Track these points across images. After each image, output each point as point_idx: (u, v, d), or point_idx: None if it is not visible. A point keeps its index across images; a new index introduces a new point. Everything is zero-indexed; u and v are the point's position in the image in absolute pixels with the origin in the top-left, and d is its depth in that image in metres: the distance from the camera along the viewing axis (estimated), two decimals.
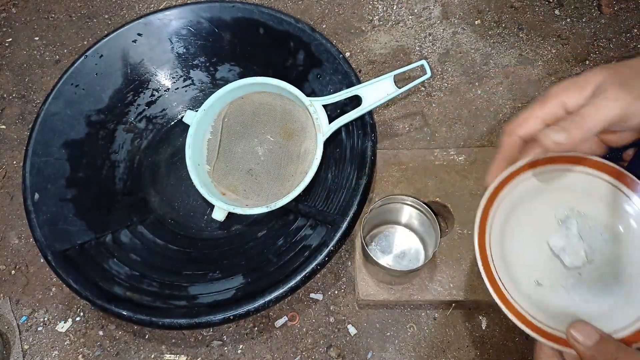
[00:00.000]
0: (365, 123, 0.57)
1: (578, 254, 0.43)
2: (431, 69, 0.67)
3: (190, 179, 0.59)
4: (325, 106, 0.57)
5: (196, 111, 0.60)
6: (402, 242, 0.61)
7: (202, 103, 0.60)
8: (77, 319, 0.61)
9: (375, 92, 0.56)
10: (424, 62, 0.55)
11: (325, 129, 0.56)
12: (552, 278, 0.44)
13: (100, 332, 0.60)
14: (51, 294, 0.62)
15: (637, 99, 0.37)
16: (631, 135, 0.41)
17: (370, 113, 0.58)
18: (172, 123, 0.69)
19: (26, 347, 0.60)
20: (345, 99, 0.58)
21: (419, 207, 0.56)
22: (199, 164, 0.60)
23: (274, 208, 0.55)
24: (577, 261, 0.43)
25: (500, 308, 0.40)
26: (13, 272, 0.64)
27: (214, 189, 0.60)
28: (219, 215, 0.58)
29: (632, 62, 0.39)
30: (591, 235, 0.44)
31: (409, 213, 0.58)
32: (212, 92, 0.60)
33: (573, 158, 0.44)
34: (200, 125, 0.60)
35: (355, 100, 0.58)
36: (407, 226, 0.61)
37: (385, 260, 0.60)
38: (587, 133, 0.38)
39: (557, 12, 0.77)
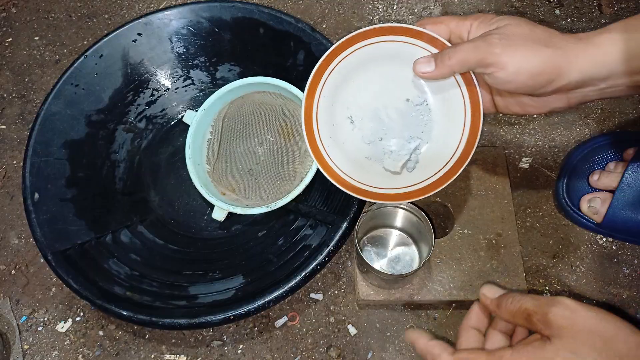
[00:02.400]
0: None
1: (396, 162, 0.48)
2: None
3: (190, 179, 0.59)
4: None
5: (196, 111, 0.60)
6: (398, 246, 0.61)
7: (202, 103, 0.60)
8: (77, 319, 0.61)
9: None
10: None
11: None
12: (367, 130, 0.50)
13: (100, 332, 0.60)
14: (51, 294, 0.62)
15: (502, 53, 0.39)
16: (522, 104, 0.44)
17: None
18: (172, 123, 0.69)
19: (26, 347, 0.60)
20: None
21: (414, 212, 0.55)
22: (199, 164, 0.60)
23: (274, 208, 0.55)
24: (391, 167, 0.48)
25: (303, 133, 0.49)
26: (13, 272, 0.64)
27: (214, 188, 0.60)
28: (218, 215, 0.58)
29: (540, 28, 0.40)
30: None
31: (405, 217, 0.58)
32: (212, 92, 0.60)
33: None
34: (200, 125, 0.60)
35: None
36: (403, 230, 0.61)
37: (380, 264, 0.60)
38: (449, 70, 0.42)
39: (557, 12, 0.77)
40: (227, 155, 0.61)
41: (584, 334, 0.32)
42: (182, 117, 0.65)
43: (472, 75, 0.45)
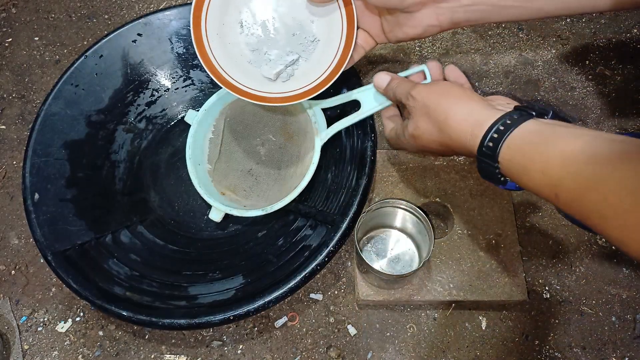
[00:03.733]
0: (365, 123, 0.57)
1: (271, 70, 0.52)
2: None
3: (190, 179, 0.58)
4: (324, 109, 0.57)
5: (197, 110, 0.60)
6: (397, 246, 0.61)
7: (202, 103, 0.60)
8: (77, 319, 0.61)
9: (375, 96, 0.56)
10: (424, 67, 0.54)
11: (324, 133, 0.56)
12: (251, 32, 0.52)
13: (100, 332, 0.60)
14: (51, 294, 0.62)
15: None
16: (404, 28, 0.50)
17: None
18: (172, 123, 0.69)
19: (26, 347, 0.60)
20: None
21: (414, 212, 0.55)
22: (199, 164, 0.60)
23: (270, 211, 0.55)
24: (267, 73, 0.52)
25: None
26: (13, 272, 0.64)
27: (213, 188, 0.60)
28: (215, 216, 0.58)
29: None
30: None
31: (404, 217, 0.58)
32: (212, 92, 0.60)
33: None
34: (201, 124, 0.60)
35: (356, 101, 0.58)
36: (403, 230, 0.61)
37: (380, 264, 0.60)
38: None
39: None
40: (228, 155, 0.61)
41: (421, 111, 0.46)
42: (182, 117, 0.65)
43: None
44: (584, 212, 0.33)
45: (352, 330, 0.59)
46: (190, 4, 0.50)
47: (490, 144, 0.40)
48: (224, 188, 0.60)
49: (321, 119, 0.56)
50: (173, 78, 0.68)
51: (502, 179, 0.41)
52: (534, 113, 0.41)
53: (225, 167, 0.61)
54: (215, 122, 0.61)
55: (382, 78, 0.53)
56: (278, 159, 0.60)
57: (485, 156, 0.40)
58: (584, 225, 0.59)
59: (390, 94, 0.52)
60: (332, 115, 0.58)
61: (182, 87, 0.69)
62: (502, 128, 0.39)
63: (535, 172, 0.37)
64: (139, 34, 0.65)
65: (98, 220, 0.60)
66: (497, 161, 0.39)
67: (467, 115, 0.43)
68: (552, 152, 0.36)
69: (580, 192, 0.33)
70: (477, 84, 0.72)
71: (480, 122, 0.41)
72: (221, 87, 0.60)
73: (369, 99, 0.56)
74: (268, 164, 0.61)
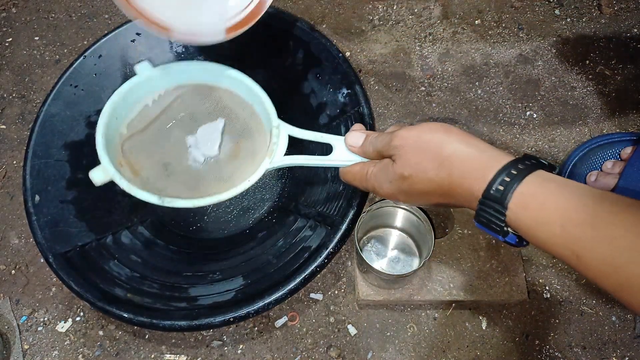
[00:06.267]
0: (365, 124, 0.57)
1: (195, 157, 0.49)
2: (432, 68, 0.67)
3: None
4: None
5: (154, 66, 0.48)
6: (397, 246, 0.61)
7: None
8: (77, 319, 0.61)
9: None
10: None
11: (277, 158, 0.46)
12: None
13: (100, 332, 0.60)
14: (51, 294, 0.62)
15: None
16: None
17: (370, 112, 0.58)
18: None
19: (26, 347, 0.60)
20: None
21: (414, 212, 0.55)
22: (117, 118, 0.47)
23: (161, 203, 0.44)
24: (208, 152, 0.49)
25: None
26: (13, 272, 0.64)
27: (114, 152, 0.46)
28: (98, 176, 0.44)
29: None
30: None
31: (404, 217, 0.58)
32: None
33: None
34: (148, 82, 0.48)
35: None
36: (403, 230, 0.61)
37: (380, 264, 0.60)
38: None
39: (557, 12, 0.77)
40: (153, 135, 0.49)
41: (415, 147, 0.41)
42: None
43: None
44: (615, 284, 0.30)
45: (352, 330, 0.59)
46: None
47: (501, 187, 0.36)
48: (126, 162, 0.48)
49: (283, 143, 0.47)
50: None
51: (505, 228, 0.37)
52: (546, 163, 0.37)
53: (142, 145, 0.49)
54: (164, 91, 0.50)
55: (357, 136, 0.47)
56: (202, 171, 0.50)
57: (492, 199, 0.36)
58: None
59: (369, 149, 0.46)
60: (329, 124, 0.58)
61: None
62: (515, 172, 0.36)
63: (552, 226, 0.33)
64: (138, 34, 0.65)
65: (99, 221, 0.60)
66: (505, 207, 0.35)
67: (478, 154, 0.38)
68: (577, 204, 0.32)
69: (613, 261, 0.30)
70: (477, 83, 0.72)
71: (490, 164, 0.37)
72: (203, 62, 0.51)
73: (342, 150, 0.48)
74: (189, 170, 0.50)
